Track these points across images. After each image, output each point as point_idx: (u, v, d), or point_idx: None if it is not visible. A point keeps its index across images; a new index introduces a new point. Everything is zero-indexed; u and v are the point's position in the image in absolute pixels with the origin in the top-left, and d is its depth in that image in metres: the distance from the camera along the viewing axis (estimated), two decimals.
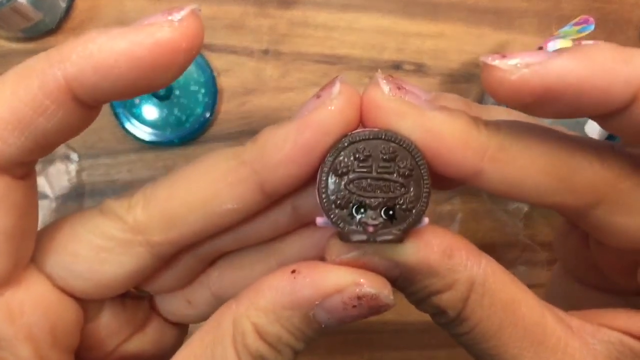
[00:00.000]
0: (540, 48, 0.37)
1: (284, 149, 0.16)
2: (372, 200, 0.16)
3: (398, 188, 0.16)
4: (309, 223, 0.20)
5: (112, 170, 0.46)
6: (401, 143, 0.16)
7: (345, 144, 0.16)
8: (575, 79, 0.14)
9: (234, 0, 0.47)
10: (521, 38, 0.48)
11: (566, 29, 0.38)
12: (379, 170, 0.16)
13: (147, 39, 0.15)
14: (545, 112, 0.15)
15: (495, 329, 0.17)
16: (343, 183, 0.16)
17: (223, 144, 0.46)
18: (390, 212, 0.16)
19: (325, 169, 0.16)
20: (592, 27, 0.37)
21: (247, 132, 0.46)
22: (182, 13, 0.15)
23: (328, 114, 0.16)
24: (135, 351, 0.22)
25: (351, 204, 0.16)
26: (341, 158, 0.16)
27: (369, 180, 0.16)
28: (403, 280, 0.17)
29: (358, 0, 0.47)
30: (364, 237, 0.16)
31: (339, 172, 0.16)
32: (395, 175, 0.16)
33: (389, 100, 0.16)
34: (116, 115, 0.44)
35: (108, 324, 0.21)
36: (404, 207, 0.16)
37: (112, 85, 0.15)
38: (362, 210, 0.16)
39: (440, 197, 0.47)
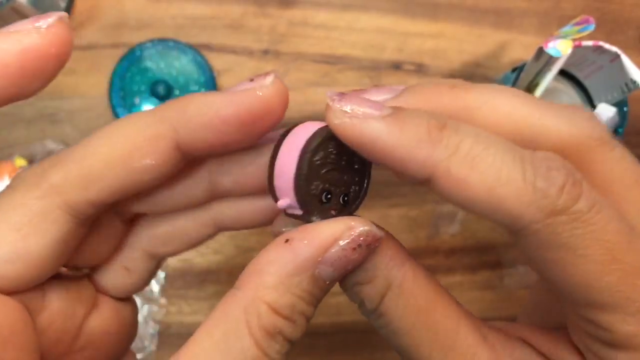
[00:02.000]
0: (541, 48, 0.37)
1: (206, 115, 0.18)
2: (336, 188, 0.18)
3: (354, 178, 0.18)
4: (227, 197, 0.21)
5: None
6: None
7: (320, 141, 0.17)
8: (382, 145, 0.16)
9: (234, 0, 0.47)
10: (521, 38, 0.48)
11: (566, 28, 0.38)
12: (342, 163, 0.18)
13: (15, 46, 0.16)
14: (363, 155, 0.17)
15: (408, 329, 0.18)
16: (318, 174, 0.17)
17: None
18: (345, 198, 0.18)
19: (303, 164, 0.17)
20: (593, 27, 0.37)
21: None
22: (49, 20, 0.16)
23: (255, 98, 0.18)
24: (100, 331, 0.22)
25: (324, 193, 0.18)
26: (320, 154, 0.17)
27: (336, 172, 0.18)
28: None
29: (358, 0, 0.47)
30: (317, 218, 0.18)
31: (314, 165, 0.17)
32: (354, 166, 0.18)
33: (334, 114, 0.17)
34: (116, 115, 0.44)
35: (59, 310, 0.20)
36: (352, 195, 0.18)
37: (217, 142, 0.18)
38: (328, 196, 0.18)
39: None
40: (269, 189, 0.18)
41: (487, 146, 0.16)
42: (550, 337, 0.19)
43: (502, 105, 0.18)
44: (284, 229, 0.18)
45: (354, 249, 0.17)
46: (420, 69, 0.47)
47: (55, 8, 0.44)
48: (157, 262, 0.22)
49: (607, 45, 0.38)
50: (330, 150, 0.17)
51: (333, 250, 0.17)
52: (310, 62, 0.47)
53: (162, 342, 0.45)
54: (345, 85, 0.47)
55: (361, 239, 0.17)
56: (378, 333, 0.52)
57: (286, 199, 0.18)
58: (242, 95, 0.18)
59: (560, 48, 0.36)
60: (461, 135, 0.16)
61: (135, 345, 0.44)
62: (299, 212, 0.18)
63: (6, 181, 0.42)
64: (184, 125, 0.18)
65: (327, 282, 0.17)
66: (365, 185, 0.19)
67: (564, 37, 0.37)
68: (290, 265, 0.17)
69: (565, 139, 0.18)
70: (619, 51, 0.38)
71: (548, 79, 0.39)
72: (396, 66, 0.47)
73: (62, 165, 0.18)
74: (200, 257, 0.46)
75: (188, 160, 0.19)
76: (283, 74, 0.47)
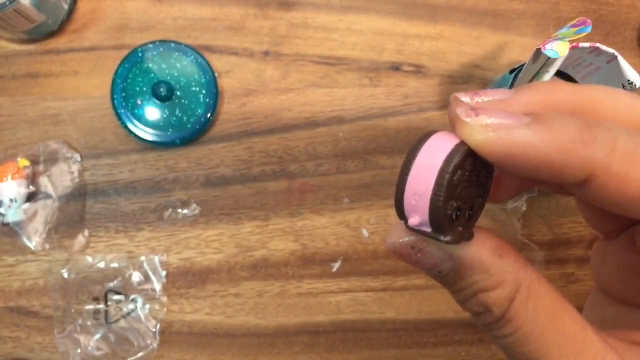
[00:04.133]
0: (538, 50, 0.37)
1: None
2: (464, 204, 0.17)
3: (478, 191, 0.17)
4: None
5: (114, 170, 0.46)
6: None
7: (459, 160, 0.16)
8: (534, 152, 0.15)
9: (235, 2, 0.47)
10: (519, 39, 0.48)
11: (563, 30, 0.38)
12: (473, 179, 0.17)
13: None
14: (505, 171, 0.16)
15: (538, 333, 0.17)
16: (454, 194, 0.16)
17: (224, 145, 0.47)
18: (469, 212, 0.17)
19: (443, 186, 0.16)
20: (590, 28, 0.37)
21: (248, 132, 0.47)
22: None
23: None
24: None
25: (455, 211, 0.17)
26: (458, 173, 0.16)
27: (467, 188, 0.17)
28: (454, 275, 0.18)
29: (358, 2, 0.48)
30: (448, 238, 0.17)
31: (453, 185, 0.16)
32: (480, 179, 0.17)
33: (468, 128, 0.16)
34: (118, 116, 0.44)
35: None
36: (475, 208, 0.18)
37: None
38: (458, 213, 0.17)
39: None
40: (396, 203, 0.17)
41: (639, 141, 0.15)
42: None
43: (622, 98, 0.17)
44: (400, 241, 0.18)
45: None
46: (419, 70, 0.48)
47: (58, 10, 0.44)
48: None
49: (604, 47, 0.38)
50: (466, 167, 0.16)
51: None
52: (310, 63, 0.47)
53: (163, 340, 0.46)
54: (345, 86, 0.47)
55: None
56: (377, 332, 0.52)
57: (417, 218, 0.17)
58: None
59: (558, 49, 0.37)
60: (613, 133, 0.15)
61: (137, 343, 0.45)
62: (427, 229, 0.17)
63: (9, 181, 0.43)
64: None
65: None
66: (486, 196, 0.18)
67: (561, 38, 0.37)
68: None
69: None
70: (615, 52, 0.38)
71: (545, 80, 0.39)
72: (395, 67, 0.47)
73: None
74: (201, 256, 0.46)
75: None
76: (283, 75, 0.47)
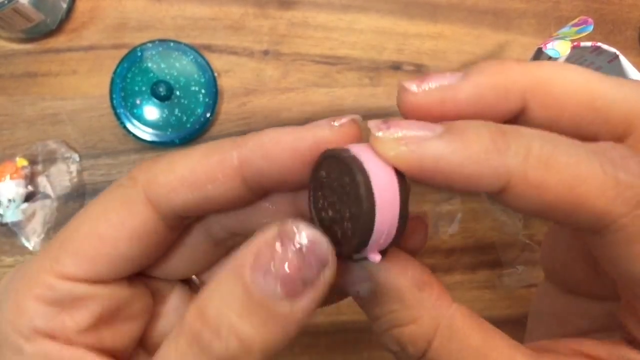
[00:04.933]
0: (540, 49, 0.37)
1: (278, 144, 0.18)
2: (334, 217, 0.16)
3: (345, 209, 0.16)
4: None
5: (113, 170, 0.46)
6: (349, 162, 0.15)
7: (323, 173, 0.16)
8: (447, 165, 0.15)
9: (235, 1, 0.47)
10: (520, 39, 0.48)
11: (565, 30, 0.38)
12: (331, 196, 0.16)
13: (309, 136, 0.17)
14: (424, 183, 0.16)
15: None
16: (325, 203, 0.16)
17: None
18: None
19: (311, 196, 0.16)
20: (591, 27, 0.37)
21: (247, 132, 0.46)
22: (343, 120, 0.17)
23: (329, 128, 0.18)
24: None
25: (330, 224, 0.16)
26: (320, 192, 0.16)
27: (334, 197, 0.16)
28: (373, 299, 0.17)
29: (358, 1, 0.47)
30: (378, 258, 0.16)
31: (320, 196, 0.16)
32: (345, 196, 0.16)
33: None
34: (117, 116, 0.44)
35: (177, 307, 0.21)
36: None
37: (275, 172, 0.17)
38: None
39: (440, 197, 0.47)
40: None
41: (556, 145, 0.15)
42: (606, 344, 0.17)
43: (575, 77, 0.17)
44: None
45: (292, 252, 0.15)
46: (419, 70, 0.47)
47: (57, 9, 0.44)
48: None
49: (605, 46, 0.38)
50: (329, 174, 0.16)
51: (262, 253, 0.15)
52: (310, 62, 0.47)
53: None
54: (345, 85, 0.47)
55: (298, 242, 0.15)
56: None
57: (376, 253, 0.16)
58: (317, 127, 0.17)
59: (559, 49, 0.36)
60: (527, 138, 0.15)
61: None
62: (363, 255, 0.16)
63: (8, 181, 0.43)
64: (256, 152, 0.18)
65: (273, 299, 0.15)
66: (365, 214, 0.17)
67: (563, 38, 0.37)
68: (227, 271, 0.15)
69: (635, 110, 0.16)
70: (617, 52, 0.38)
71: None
72: (395, 67, 0.47)
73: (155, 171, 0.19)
74: None
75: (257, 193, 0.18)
76: (283, 75, 0.47)
